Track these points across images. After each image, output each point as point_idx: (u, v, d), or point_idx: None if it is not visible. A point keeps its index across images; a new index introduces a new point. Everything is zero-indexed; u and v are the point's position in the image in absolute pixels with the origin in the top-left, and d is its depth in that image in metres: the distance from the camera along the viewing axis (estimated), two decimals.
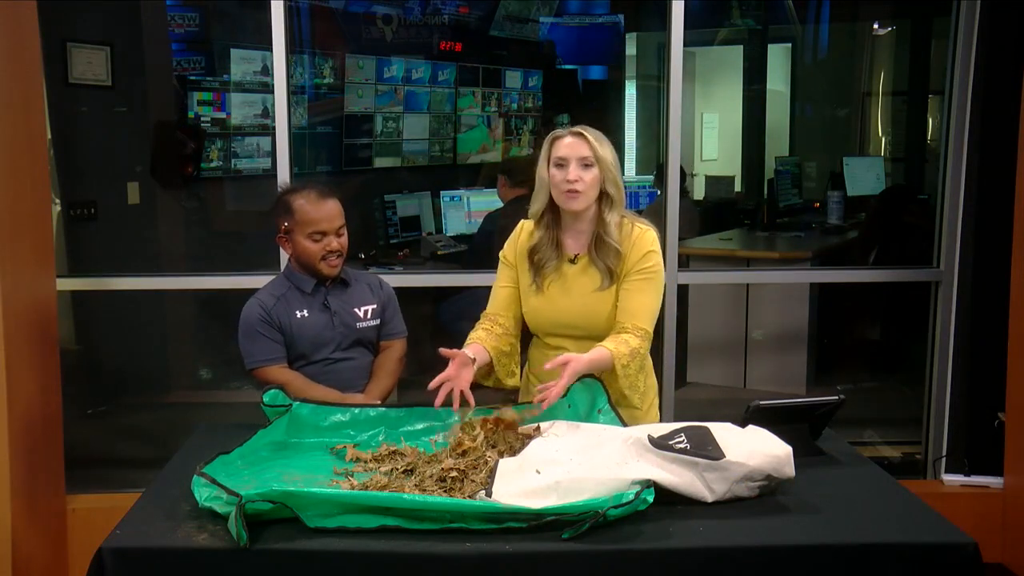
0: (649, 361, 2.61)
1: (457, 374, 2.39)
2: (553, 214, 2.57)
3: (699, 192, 6.80)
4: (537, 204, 2.57)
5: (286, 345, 2.79)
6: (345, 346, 2.82)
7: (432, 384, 2.36)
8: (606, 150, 2.50)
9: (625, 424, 2.31)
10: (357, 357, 2.85)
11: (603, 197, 2.53)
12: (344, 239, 2.80)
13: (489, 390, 2.57)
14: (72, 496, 3.48)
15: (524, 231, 2.66)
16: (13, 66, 3.06)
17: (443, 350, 2.41)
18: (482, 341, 2.57)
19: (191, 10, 5.22)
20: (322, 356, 2.80)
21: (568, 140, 2.50)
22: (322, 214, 2.76)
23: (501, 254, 2.69)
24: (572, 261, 2.58)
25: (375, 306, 2.89)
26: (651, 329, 2.52)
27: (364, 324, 2.86)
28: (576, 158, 2.48)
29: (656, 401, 2.70)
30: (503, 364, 2.61)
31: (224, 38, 5.26)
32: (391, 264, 4.74)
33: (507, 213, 4.71)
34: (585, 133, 2.50)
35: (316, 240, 2.76)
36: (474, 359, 2.47)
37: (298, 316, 2.79)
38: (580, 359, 2.35)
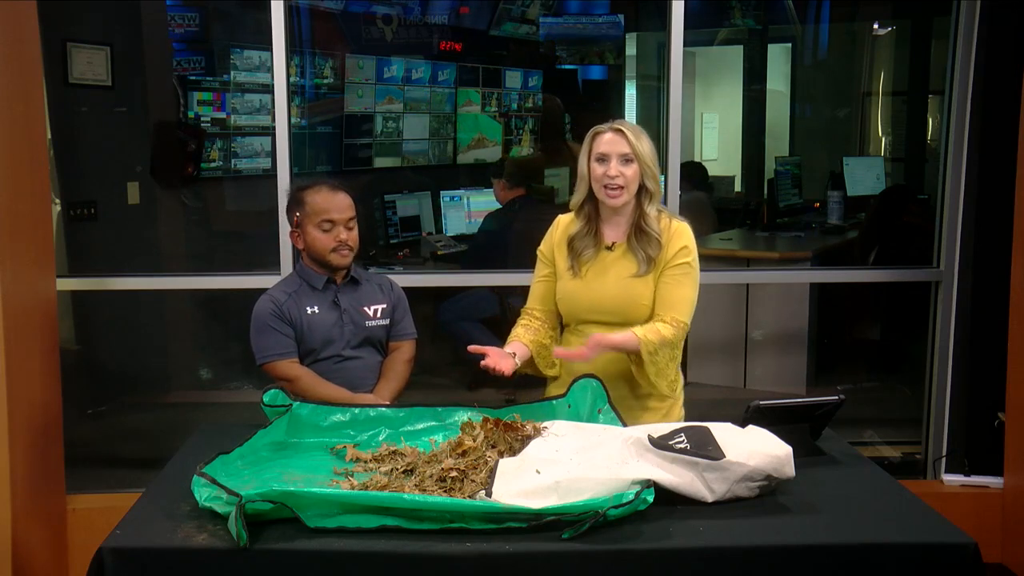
0: (680, 352, 2.67)
1: (497, 363, 2.46)
2: (592, 205, 2.65)
3: None
4: (578, 196, 2.65)
5: (296, 341, 2.81)
6: (354, 344, 2.84)
7: (483, 364, 2.44)
8: (645, 145, 2.57)
9: (625, 424, 2.31)
10: (366, 356, 2.86)
11: (642, 190, 2.60)
12: (355, 233, 2.83)
13: (491, 390, 2.58)
14: (72, 496, 3.48)
15: (560, 226, 2.73)
16: (13, 66, 3.06)
17: (472, 348, 2.49)
18: (520, 338, 2.66)
19: (191, 10, 5.22)
20: (332, 353, 2.82)
21: (608, 136, 2.57)
22: (332, 204, 2.80)
23: (538, 250, 2.76)
24: (609, 248, 2.64)
25: (385, 306, 2.91)
26: (689, 321, 2.59)
27: (373, 323, 2.88)
28: (617, 154, 2.55)
29: (682, 395, 2.75)
30: (543, 356, 2.68)
31: (224, 38, 5.25)
32: (391, 264, 4.73)
33: (507, 214, 4.71)
34: (624, 129, 2.56)
35: (326, 230, 2.79)
36: (514, 354, 2.55)
37: (309, 312, 2.82)
38: (607, 335, 2.44)
